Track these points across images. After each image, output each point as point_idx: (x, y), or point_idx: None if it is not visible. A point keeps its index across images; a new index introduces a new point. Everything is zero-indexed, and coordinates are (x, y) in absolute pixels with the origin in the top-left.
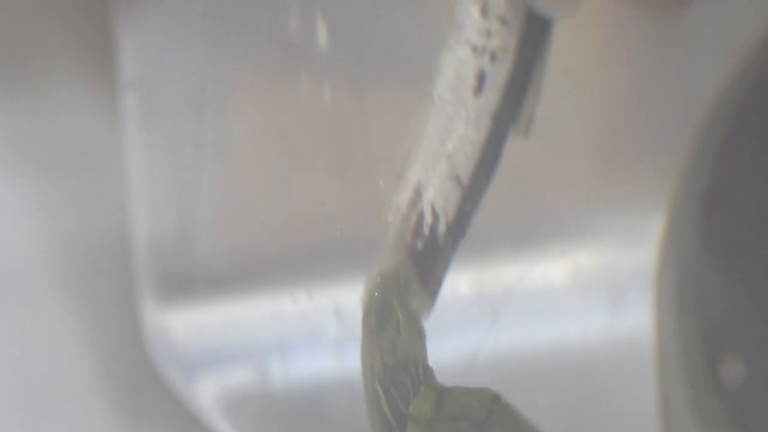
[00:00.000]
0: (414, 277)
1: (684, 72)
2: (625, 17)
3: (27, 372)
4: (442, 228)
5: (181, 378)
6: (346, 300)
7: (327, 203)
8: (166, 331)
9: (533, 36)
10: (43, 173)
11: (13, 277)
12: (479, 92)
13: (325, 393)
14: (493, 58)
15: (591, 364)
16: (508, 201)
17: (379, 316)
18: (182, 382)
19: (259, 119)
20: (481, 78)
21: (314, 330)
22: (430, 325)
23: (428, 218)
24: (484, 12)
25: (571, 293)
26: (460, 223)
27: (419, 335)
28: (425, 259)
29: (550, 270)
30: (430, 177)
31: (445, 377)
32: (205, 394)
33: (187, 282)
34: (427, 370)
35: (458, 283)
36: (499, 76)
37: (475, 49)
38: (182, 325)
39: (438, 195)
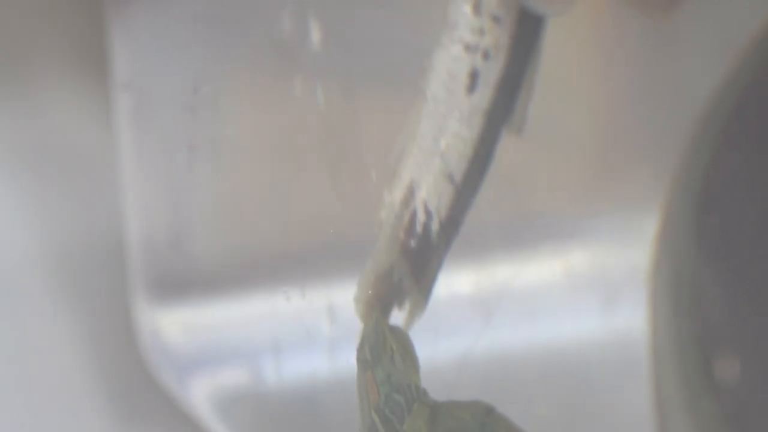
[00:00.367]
0: (407, 275)
1: (678, 73)
2: (619, 18)
3: (21, 372)
4: (435, 226)
5: (175, 378)
6: (339, 300)
7: (320, 204)
8: (160, 332)
9: (526, 34)
10: (36, 174)
11: (7, 278)
12: (472, 90)
13: (318, 393)
14: (485, 56)
15: (585, 364)
16: (502, 201)
17: (373, 350)
18: (176, 382)
19: (253, 120)
20: (473, 76)
21: (308, 330)
22: (425, 325)
23: (421, 216)
24: (477, 10)
25: (565, 293)
26: (453, 222)
27: (413, 362)
28: (418, 258)
29: (544, 270)
30: (424, 175)
31: (438, 377)
32: (199, 394)
33: (181, 282)
34: (420, 390)
35: (452, 283)
36: (491, 74)
37: (467, 48)
38: (176, 325)
39: (431, 193)
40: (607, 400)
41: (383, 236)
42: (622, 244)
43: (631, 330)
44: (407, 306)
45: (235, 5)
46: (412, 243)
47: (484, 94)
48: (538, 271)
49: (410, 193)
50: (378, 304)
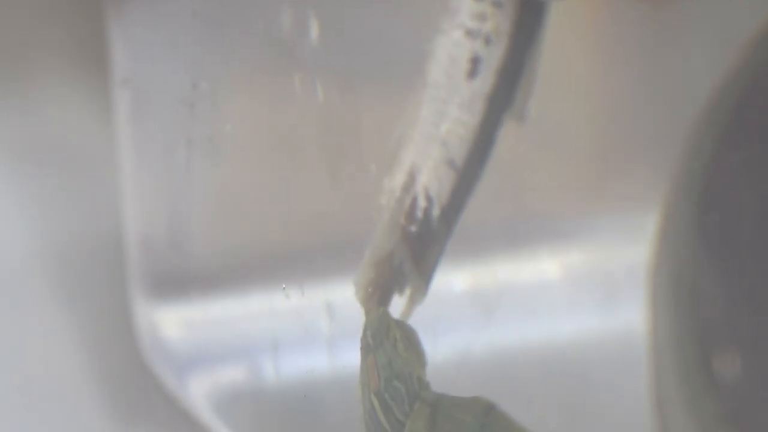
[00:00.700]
0: (408, 260)
1: (679, 70)
2: (621, 14)
3: (20, 370)
4: (436, 212)
5: (174, 375)
6: (338, 298)
7: (319, 201)
8: (159, 329)
9: (528, 19)
10: (36, 171)
11: (6, 276)
12: (473, 76)
13: (317, 390)
14: (487, 41)
15: (584, 362)
16: (502, 199)
17: (375, 335)
18: (175, 379)
19: (252, 116)
20: (475, 62)
21: (306, 328)
22: (425, 322)
23: (422, 202)
24: None
25: (564, 291)
26: (454, 207)
27: (418, 355)
28: (419, 243)
29: (544, 268)
30: (424, 161)
31: (439, 374)
32: (198, 391)
33: (180, 280)
34: (423, 384)
35: (452, 280)
36: (493, 59)
37: (469, 33)
38: (175, 322)
39: (432, 179)
40: (606, 398)
41: (383, 222)
42: (622, 243)
43: (631, 328)
44: (407, 292)
45: (234, 1)
46: (413, 228)
47: (486, 80)
48: (537, 269)
49: (411, 178)
50: (378, 289)
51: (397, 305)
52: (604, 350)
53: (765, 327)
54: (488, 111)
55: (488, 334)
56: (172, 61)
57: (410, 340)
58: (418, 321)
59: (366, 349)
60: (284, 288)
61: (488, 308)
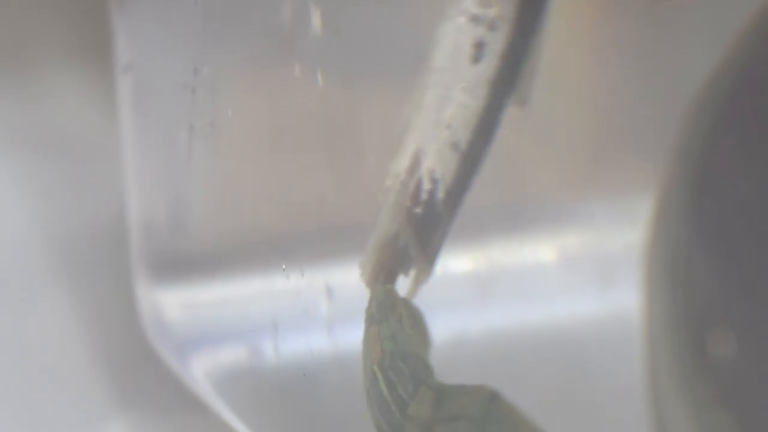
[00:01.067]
0: (413, 242)
1: (674, 61)
2: (616, 5)
3: (26, 350)
4: (440, 194)
5: (176, 355)
6: (337, 280)
7: (318, 185)
8: (161, 310)
9: (531, 6)
10: (40, 157)
11: (11, 260)
12: (477, 61)
13: (316, 369)
14: (491, 27)
15: (579, 344)
16: (500, 185)
17: (380, 308)
18: (176, 358)
19: (252, 103)
20: (479, 47)
21: (306, 308)
22: (422, 304)
23: (427, 184)
24: None
25: (560, 274)
26: (458, 190)
27: (423, 336)
28: (424, 225)
29: (541, 251)
30: (429, 144)
31: (435, 356)
32: (199, 370)
33: (181, 262)
34: (428, 369)
35: (449, 263)
36: (497, 45)
37: (473, 19)
38: (176, 304)
39: (437, 162)
40: (600, 379)
41: (389, 204)
42: (617, 227)
43: (625, 310)
44: (412, 273)
45: None
46: (418, 210)
47: (490, 65)
48: (533, 252)
49: (416, 161)
50: (383, 270)
51: (401, 286)
52: (599, 332)
53: (758, 310)
54: (491, 95)
55: (485, 317)
56: (173, 47)
57: (416, 319)
58: (417, 303)
59: (370, 320)
60: (284, 269)
61: (485, 291)
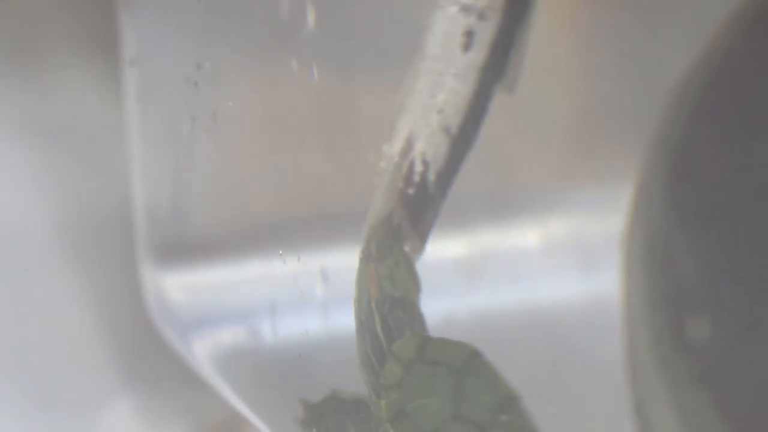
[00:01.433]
0: (406, 221)
1: (653, 52)
2: None
3: (37, 330)
4: (432, 176)
5: (179, 335)
6: (332, 264)
7: (314, 174)
8: (165, 293)
9: None
10: (50, 146)
11: (24, 243)
12: (468, 49)
13: (311, 349)
14: (481, 16)
15: (563, 325)
16: (487, 173)
17: (379, 247)
18: (179, 339)
19: (252, 95)
20: (469, 35)
21: (302, 291)
22: None
23: (419, 166)
24: None
25: (545, 258)
26: (448, 172)
27: (414, 279)
28: (416, 205)
29: (526, 237)
30: (421, 128)
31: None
32: (201, 350)
33: (184, 247)
34: (420, 318)
35: (439, 247)
36: (486, 33)
37: (464, 8)
38: (179, 286)
39: (428, 145)
40: (583, 358)
41: (383, 185)
42: (599, 213)
43: (606, 292)
44: (405, 250)
45: None
46: (410, 191)
47: (479, 53)
48: (519, 237)
49: (409, 144)
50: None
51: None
52: (581, 314)
53: (732, 291)
54: (481, 82)
55: (472, 300)
56: (177, 42)
57: (409, 265)
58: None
59: (367, 259)
60: (281, 254)
61: (472, 275)
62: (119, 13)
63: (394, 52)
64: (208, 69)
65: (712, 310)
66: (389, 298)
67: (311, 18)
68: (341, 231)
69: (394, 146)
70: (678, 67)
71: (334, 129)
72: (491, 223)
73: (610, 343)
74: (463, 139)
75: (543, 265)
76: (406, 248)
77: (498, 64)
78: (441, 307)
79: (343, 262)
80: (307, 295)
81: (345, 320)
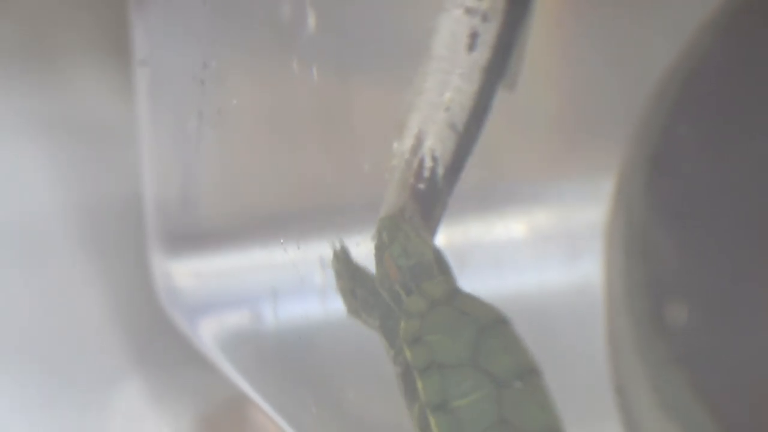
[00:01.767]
0: (417, 215)
1: (634, 54)
2: (583, 1)
3: (52, 313)
4: (440, 171)
5: (186, 319)
6: (330, 252)
7: (313, 167)
8: (173, 279)
9: None
10: (66, 140)
11: (42, 232)
12: (472, 49)
13: (310, 333)
14: (484, 18)
15: (547, 311)
16: (476, 167)
17: (389, 231)
18: (186, 322)
19: (255, 93)
20: (474, 36)
21: (302, 278)
22: None
23: (428, 162)
24: None
25: (530, 247)
26: (455, 167)
27: (425, 238)
28: (426, 199)
29: (512, 227)
30: (430, 126)
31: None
32: (206, 333)
33: (191, 236)
34: (447, 269)
35: None
36: (489, 34)
37: (468, 11)
38: (187, 273)
39: (437, 142)
40: (567, 342)
41: (395, 181)
42: (582, 205)
43: (589, 280)
44: None
45: None
46: (421, 186)
47: (483, 53)
48: (506, 228)
49: (418, 142)
50: None
51: None
52: (565, 300)
53: (709, 279)
54: (485, 80)
55: (462, 285)
56: (185, 43)
57: (418, 229)
58: None
59: (381, 248)
60: (282, 242)
61: (461, 263)
62: (131, 16)
63: (389, 54)
64: (214, 68)
65: (689, 297)
66: (408, 272)
67: (311, 21)
68: (339, 221)
69: (404, 143)
70: (657, 68)
71: (332, 126)
72: (479, 214)
73: (592, 327)
74: (468, 135)
75: (529, 254)
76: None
77: (500, 63)
78: None
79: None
80: (306, 282)
81: (342, 305)
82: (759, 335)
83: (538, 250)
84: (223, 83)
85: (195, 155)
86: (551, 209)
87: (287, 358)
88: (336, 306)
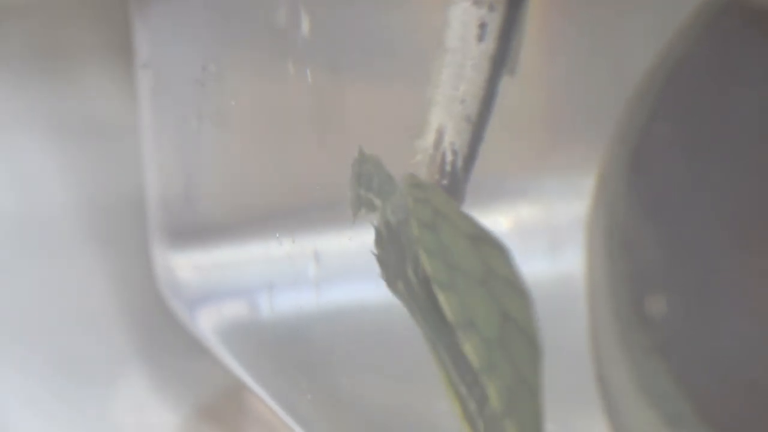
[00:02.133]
0: None
1: (616, 50)
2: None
3: (58, 303)
4: (460, 164)
5: (186, 310)
6: (324, 246)
7: (308, 165)
8: (174, 272)
9: None
10: (72, 139)
11: (48, 228)
12: (482, 39)
13: (305, 324)
14: (490, 8)
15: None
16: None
17: (397, 211)
18: (187, 313)
19: (253, 94)
20: (482, 27)
21: (297, 271)
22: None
23: (449, 156)
24: None
25: (514, 241)
26: (472, 157)
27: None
28: (450, 194)
29: (497, 220)
30: (448, 119)
31: (400, 313)
32: (206, 323)
33: (191, 231)
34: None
35: None
36: (494, 24)
37: (476, 2)
38: (187, 266)
39: (455, 134)
40: (550, 332)
41: (421, 176)
42: (565, 199)
43: (572, 272)
44: None
45: None
46: (445, 182)
47: (490, 42)
48: (491, 221)
49: (439, 136)
50: None
51: None
52: (548, 292)
53: (687, 271)
54: (492, 69)
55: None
56: (185, 46)
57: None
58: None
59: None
60: (278, 237)
61: None
62: (133, 21)
63: (379, 57)
64: (213, 71)
65: (669, 288)
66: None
67: (306, 26)
68: (332, 215)
69: (427, 139)
70: (638, 68)
71: (325, 125)
72: (465, 208)
73: (574, 318)
74: (480, 124)
75: (513, 247)
76: None
77: (504, 51)
78: None
79: (334, 244)
80: (301, 274)
81: (336, 297)
82: (734, 324)
83: (522, 243)
84: (222, 85)
85: (195, 154)
86: (535, 204)
87: (283, 347)
88: (330, 298)
